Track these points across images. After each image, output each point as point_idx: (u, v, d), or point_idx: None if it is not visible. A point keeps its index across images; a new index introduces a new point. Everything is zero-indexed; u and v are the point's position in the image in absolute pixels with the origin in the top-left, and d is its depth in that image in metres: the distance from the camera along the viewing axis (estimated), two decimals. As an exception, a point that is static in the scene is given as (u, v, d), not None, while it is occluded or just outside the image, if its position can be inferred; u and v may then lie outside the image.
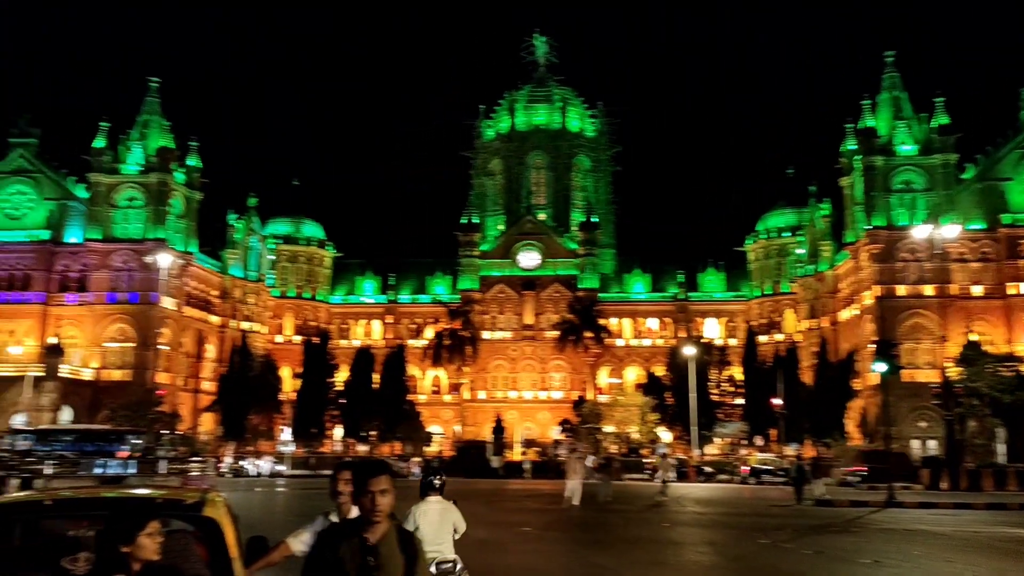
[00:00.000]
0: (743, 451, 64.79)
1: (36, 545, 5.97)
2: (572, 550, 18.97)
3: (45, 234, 74.40)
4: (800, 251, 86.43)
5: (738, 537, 21.46)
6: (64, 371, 66.37)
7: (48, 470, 34.63)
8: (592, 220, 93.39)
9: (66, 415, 65.77)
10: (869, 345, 67.29)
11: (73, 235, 74.87)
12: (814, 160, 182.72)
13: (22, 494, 8.36)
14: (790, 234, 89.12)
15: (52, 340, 67.16)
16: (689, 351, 62.77)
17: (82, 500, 6.50)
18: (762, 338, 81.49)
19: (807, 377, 71.49)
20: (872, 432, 65.30)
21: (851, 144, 75.47)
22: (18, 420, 60.43)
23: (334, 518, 6.06)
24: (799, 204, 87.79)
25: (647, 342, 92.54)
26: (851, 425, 68.25)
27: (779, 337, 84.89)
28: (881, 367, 39.29)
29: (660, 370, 76.99)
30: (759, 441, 66.16)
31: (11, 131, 76.82)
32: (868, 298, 71.86)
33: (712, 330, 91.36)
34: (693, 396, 59.20)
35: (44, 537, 6.06)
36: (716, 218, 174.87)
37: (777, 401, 62.82)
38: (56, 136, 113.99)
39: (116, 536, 3.69)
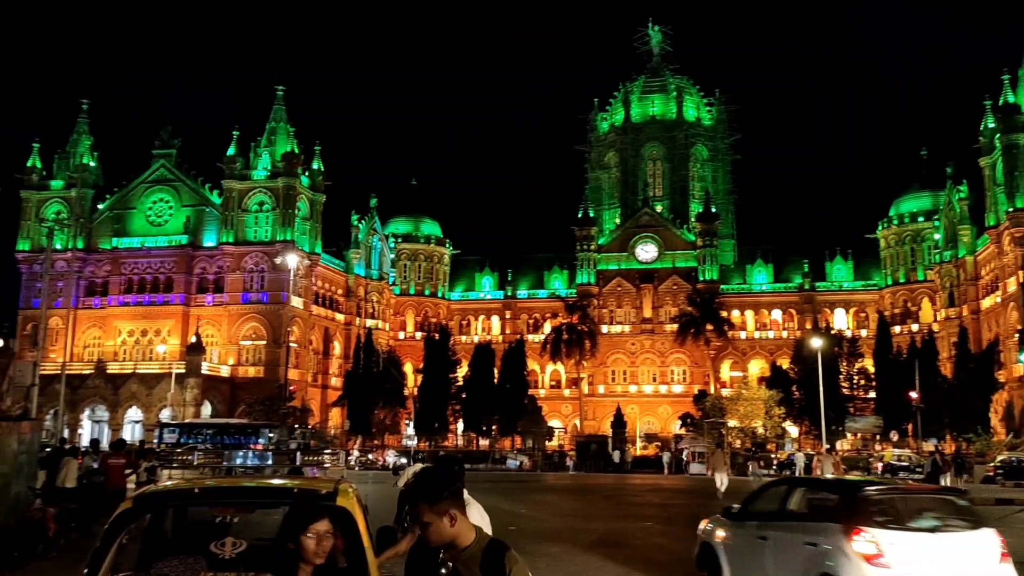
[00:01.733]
0: (877, 446, 62.07)
1: (186, 530, 6.38)
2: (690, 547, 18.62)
3: (184, 239, 78.96)
4: (936, 236, 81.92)
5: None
6: (204, 368, 70.35)
7: (194, 461, 36.80)
8: (711, 210, 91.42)
9: (207, 410, 69.73)
10: (1015, 334, 63.31)
11: (209, 239, 79.16)
12: (950, 140, 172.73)
13: (172, 483, 8.96)
14: (925, 219, 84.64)
15: (193, 339, 71.29)
16: (816, 343, 60.55)
17: (226, 489, 6.90)
18: (896, 328, 77.93)
19: (946, 369, 67.87)
20: (1019, 427, 61.26)
21: (991, 122, 70.94)
22: (165, 414, 64.50)
23: None
24: (934, 187, 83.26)
25: (771, 334, 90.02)
26: (995, 419, 64.26)
27: (914, 327, 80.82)
28: (1028, 358, 36.87)
29: (785, 363, 74.71)
30: (894, 436, 63.22)
31: (154, 142, 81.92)
32: (1012, 284, 67.45)
33: (841, 321, 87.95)
34: (821, 390, 57.09)
35: (193, 523, 6.47)
36: (843, 204, 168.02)
37: (914, 394, 59.88)
38: (192, 145, 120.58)
39: (288, 533, 3.83)
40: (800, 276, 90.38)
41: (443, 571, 3.68)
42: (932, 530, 9.01)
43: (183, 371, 67.74)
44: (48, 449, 24.12)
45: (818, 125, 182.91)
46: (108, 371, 70.94)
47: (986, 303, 74.63)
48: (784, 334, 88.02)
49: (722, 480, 31.05)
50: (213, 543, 5.52)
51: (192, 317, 77.27)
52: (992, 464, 49.56)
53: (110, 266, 79.44)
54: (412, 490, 3.54)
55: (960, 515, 9.41)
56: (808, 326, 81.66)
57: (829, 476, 28.91)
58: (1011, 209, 67.07)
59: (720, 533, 11.40)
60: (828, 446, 53.35)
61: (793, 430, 69.86)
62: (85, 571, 5.08)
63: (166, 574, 5.34)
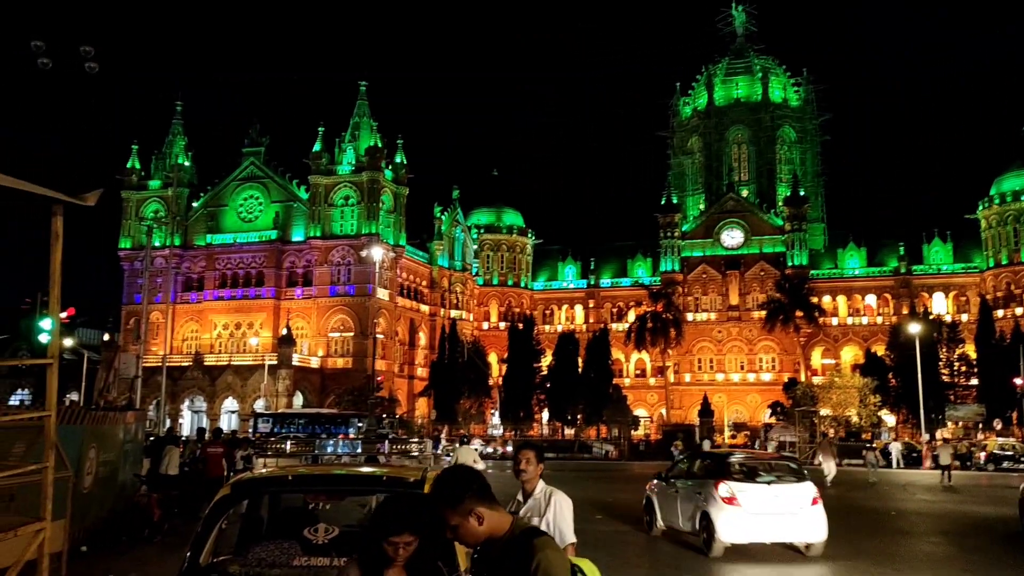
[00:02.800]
0: (979, 435, 59.50)
1: (281, 516, 6.57)
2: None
3: (273, 234, 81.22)
4: (1042, 214, 77.69)
5: (974, 527, 19.76)
6: (295, 360, 72.37)
7: (287, 449, 37.93)
8: (799, 194, 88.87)
9: (299, 400, 71.74)
10: None
11: (297, 234, 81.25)
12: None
13: (267, 470, 9.25)
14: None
15: (284, 331, 73.39)
16: (914, 328, 58.37)
17: (317, 476, 7.07)
18: (999, 312, 74.44)
19: (1055, 354, 64.40)
20: None
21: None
22: (259, 405, 66.65)
23: (519, 496, 6.28)
24: (1039, 163, 78.93)
25: (864, 320, 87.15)
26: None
27: (1019, 311, 77.01)
28: None
29: (880, 349, 72.25)
30: (997, 425, 60.46)
31: (244, 141, 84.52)
32: None
33: (940, 305, 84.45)
34: (920, 377, 55.01)
35: (287, 509, 6.66)
36: (940, 184, 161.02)
37: (1018, 381, 57.11)
38: (278, 142, 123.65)
39: (373, 535, 3.85)
40: (895, 259, 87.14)
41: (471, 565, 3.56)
42: (769, 483, 14.58)
43: (275, 363, 69.84)
44: (152, 438, 25.21)
45: (913, 102, 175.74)
46: (205, 363, 73.75)
47: (1099, 284, 70.48)
48: (879, 320, 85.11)
49: (830, 469, 31.56)
50: (307, 529, 5.66)
51: (282, 310, 79.50)
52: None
53: (205, 262, 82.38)
54: (432, 497, 3.43)
55: (792, 474, 15.14)
56: (905, 311, 78.68)
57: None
58: (1126, 184, 63.10)
59: (655, 489, 16.81)
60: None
61: (890, 419, 67.54)
62: (188, 554, 5.28)
63: (263, 558, 5.49)
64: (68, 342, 50.42)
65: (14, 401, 68.01)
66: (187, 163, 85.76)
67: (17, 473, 7.60)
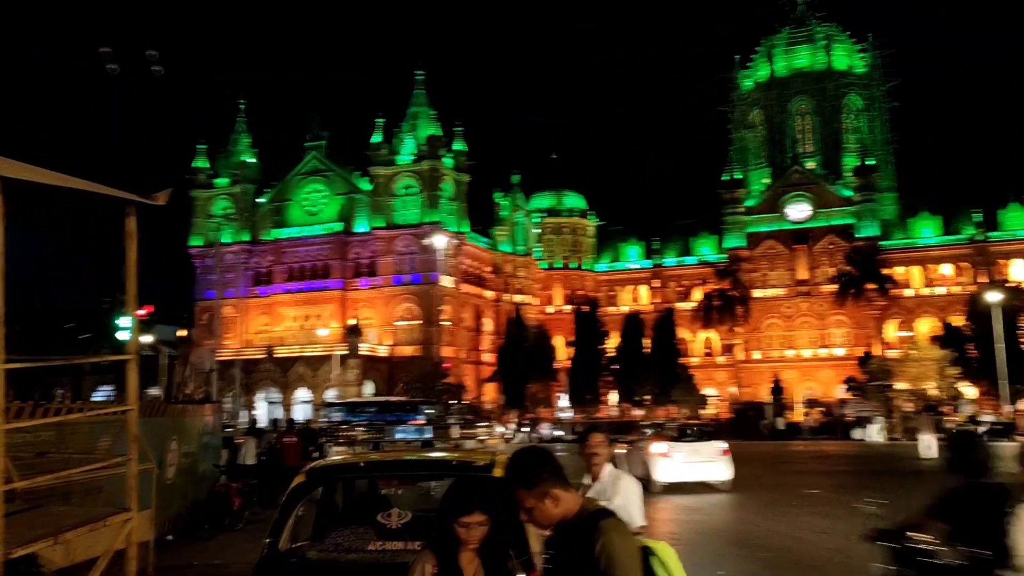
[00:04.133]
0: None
1: (355, 501, 6.70)
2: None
3: (338, 226, 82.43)
4: None
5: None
6: (363, 349, 73.49)
7: (360, 437, 38.59)
8: (868, 163, 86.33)
9: (368, 389, 72.85)
10: None
11: (360, 225, 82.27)
12: None
13: (340, 457, 9.43)
14: (1115, 155, 76.66)
15: (351, 322, 74.58)
16: (993, 297, 56.29)
17: (388, 462, 7.19)
18: (1084, 277, 71.23)
19: None
20: None
21: None
22: (330, 394, 67.91)
23: (586, 480, 6.26)
24: (1125, 119, 75.19)
25: (940, 290, 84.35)
26: None
27: (1106, 275, 73.69)
28: None
29: (958, 320, 69.90)
30: (1087, 395, 58.00)
31: (305, 136, 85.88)
32: None
33: (1019, 272, 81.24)
34: (1001, 347, 53.07)
35: (362, 494, 6.79)
36: (1017, 147, 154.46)
37: (1109, 348, 54.69)
38: (339, 135, 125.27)
39: (443, 517, 3.88)
40: (971, 227, 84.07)
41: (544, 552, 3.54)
42: (691, 440, 22.24)
43: (344, 353, 71.00)
44: (229, 429, 25.93)
45: (984, 64, 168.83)
46: (277, 355, 75.37)
47: None
48: (955, 289, 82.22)
49: (929, 444, 31.84)
50: (380, 514, 5.76)
51: (349, 301, 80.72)
52: None
53: (273, 256, 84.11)
54: (508, 478, 3.40)
55: (709, 435, 23.00)
56: (983, 280, 75.93)
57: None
58: None
59: (621, 452, 22.80)
60: (1012, 406, 49.72)
61: (970, 391, 65.41)
62: (268, 540, 5.42)
63: (339, 543, 5.61)
64: (146, 339, 52.09)
65: (98, 397, 70.72)
66: (252, 160, 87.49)
67: (104, 466, 7.90)
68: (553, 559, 3.42)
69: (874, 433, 50.05)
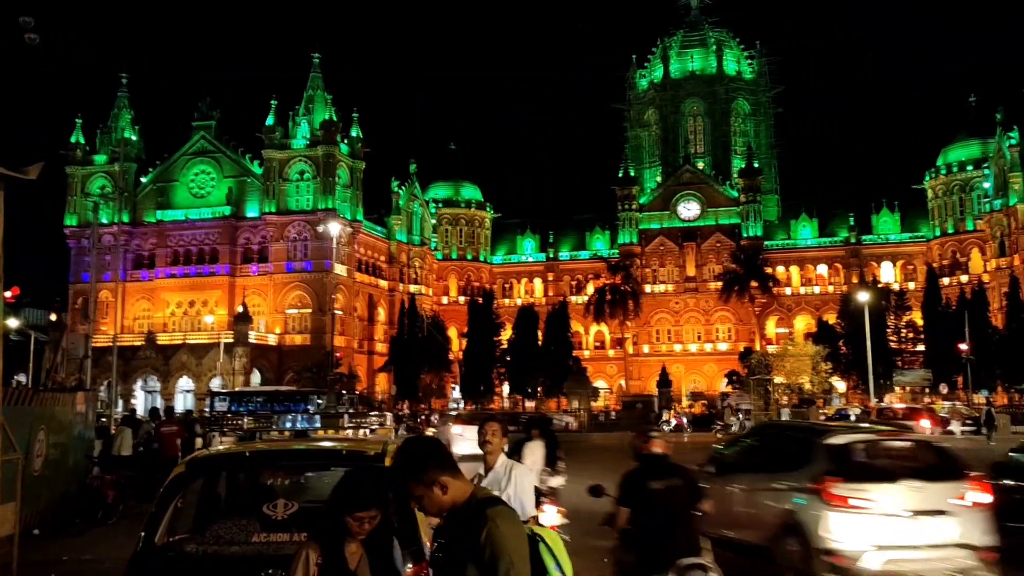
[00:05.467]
0: (926, 399, 61.16)
1: (239, 493, 6.47)
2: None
3: (227, 210, 79.79)
4: (986, 185, 79.68)
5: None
6: (252, 337, 71.49)
7: (245, 426, 37.56)
8: (754, 166, 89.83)
9: (256, 378, 70.99)
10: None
11: (251, 210, 79.92)
12: (1000, 84, 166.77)
13: (223, 447, 9.12)
14: (974, 167, 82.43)
15: (239, 309, 72.38)
16: (863, 297, 59.56)
17: (276, 452, 6.99)
18: (944, 280, 76.38)
19: (997, 320, 66.59)
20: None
21: (1045, 63, 68.36)
22: (215, 383, 65.78)
23: (480, 470, 6.28)
24: (983, 134, 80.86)
25: (817, 289, 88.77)
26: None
27: (964, 278, 79.15)
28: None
29: (832, 318, 73.76)
30: (944, 389, 62.25)
31: (193, 114, 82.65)
32: (1069, 232, 65.47)
33: (888, 274, 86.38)
34: (869, 344, 56.30)
35: (245, 486, 6.56)
36: (889, 155, 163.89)
37: (963, 346, 58.72)
38: (231, 116, 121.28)
39: (334, 509, 3.80)
40: (846, 230, 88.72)
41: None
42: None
43: (231, 341, 68.91)
44: (104, 419, 24.74)
45: (862, 74, 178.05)
46: (158, 342, 72.46)
47: (1040, 252, 72.60)
48: (830, 289, 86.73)
49: None
50: (265, 505, 5.59)
51: (238, 287, 78.39)
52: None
53: (156, 239, 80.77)
54: (396, 467, 3.39)
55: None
56: (854, 280, 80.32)
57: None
58: (1067, 154, 64.84)
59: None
60: (878, 399, 52.82)
61: (841, 385, 69.08)
62: (143, 534, 5.19)
63: (220, 536, 5.41)
64: (13, 323, 49.13)
65: (-40, 384, 66.35)
66: (134, 137, 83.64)
67: (-38, 456, 7.37)
68: (442, 547, 3.41)
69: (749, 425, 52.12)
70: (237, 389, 56.31)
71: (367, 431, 37.66)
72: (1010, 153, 76.57)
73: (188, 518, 6.08)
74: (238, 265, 79.34)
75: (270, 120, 79.15)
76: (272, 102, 79.43)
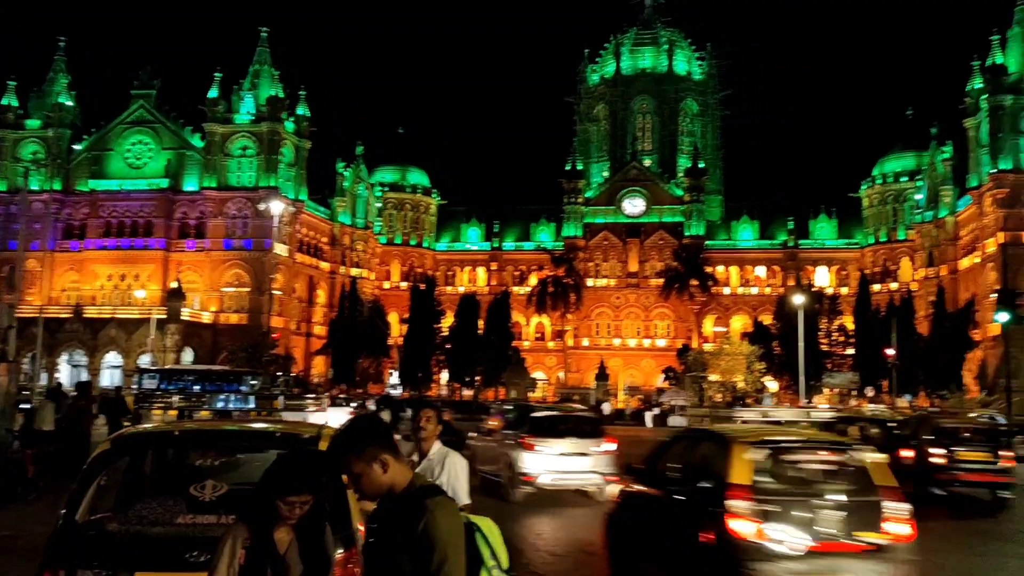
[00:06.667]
0: (853, 402, 62.93)
1: (166, 472, 6.30)
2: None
3: (164, 182, 77.70)
4: (918, 196, 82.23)
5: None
6: (185, 314, 69.86)
7: (175, 406, 36.72)
8: (699, 166, 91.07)
9: (188, 356, 69.43)
10: (991, 295, 64.03)
11: (190, 184, 78.06)
12: (936, 100, 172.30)
13: (151, 425, 8.88)
14: (908, 179, 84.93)
15: (173, 285, 70.67)
16: (798, 299, 60.90)
17: (207, 432, 6.82)
18: (876, 287, 78.57)
19: (923, 327, 68.70)
20: (991, 385, 62.26)
21: (978, 83, 70.69)
22: (144, 360, 64.15)
23: (415, 456, 6.23)
24: (918, 147, 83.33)
25: (755, 290, 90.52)
26: (968, 377, 65.27)
27: (893, 286, 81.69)
28: (1003, 317, 37.26)
29: (768, 319, 75.29)
30: (870, 392, 64.14)
31: (133, 83, 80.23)
32: (991, 245, 68.03)
33: (823, 278, 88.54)
34: (801, 346, 57.66)
35: (174, 465, 6.39)
36: (830, 162, 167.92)
37: (890, 351, 60.58)
38: (173, 87, 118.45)
39: (266, 493, 3.72)
40: (785, 233, 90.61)
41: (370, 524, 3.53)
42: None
43: (163, 317, 67.22)
44: (26, 392, 23.93)
45: (806, 82, 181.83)
46: (86, 315, 70.34)
47: (964, 263, 75.31)
48: (767, 290, 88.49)
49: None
50: (193, 486, 5.45)
51: (172, 262, 76.57)
52: None
53: (88, 209, 78.32)
54: (338, 442, 3.32)
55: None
56: (791, 283, 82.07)
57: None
58: (994, 170, 67.30)
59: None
60: (806, 401, 54.16)
61: (773, 385, 70.59)
62: (64, 511, 5.02)
63: (144, 516, 5.26)
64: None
65: None
66: (70, 103, 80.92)
67: None
68: (375, 533, 3.35)
69: (682, 421, 53.06)
70: (167, 367, 55.08)
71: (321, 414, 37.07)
72: (943, 167, 79.13)
73: (111, 497, 5.90)
74: (173, 240, 77.46)
75: (213, 93, 77.32)
76: (216, 75, 77.65)
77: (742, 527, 7.16)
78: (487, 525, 3.46)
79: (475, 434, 19.01)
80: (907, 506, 7.52)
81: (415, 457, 6.30)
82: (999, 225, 66.70)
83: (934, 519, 15.00)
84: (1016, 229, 65.96)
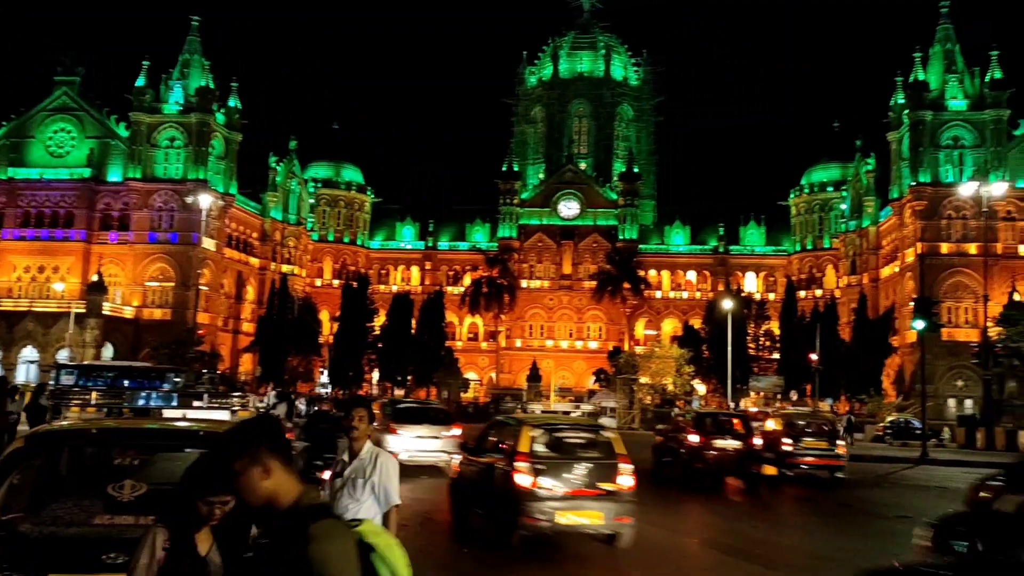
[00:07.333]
0: (777, 405, 64.51)
1: (83, 471, 6.05)
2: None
3: (87, 172, 75.18)
4: (843, 206, 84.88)
5: (766, 490, 21.39)
6: (106, 309, 67.73)
7: (93, 403, 35.50)
8: (633, 171, 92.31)
9: (108, 352, 67.29)
10: (910, 303, 66.37)
11: (114, 174, 75.69)
12: (861, 114, 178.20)
13: (68, 423, 8.52)
14: (834, 189, 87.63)
15: (94, 278, 68.44)
16: (727, 304, 62.26)
17: (126, 430, 6.56)
18: (801, 293, 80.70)
19: (845, 334, 70.75)
20: (908, 390, 64.56)
21: (900, 98, 73.30)
22: (62, 355, 61.95)
23: (345, 457, 6.15)
24: (844, 158, 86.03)
25: (685, 294, 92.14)
26: (887, 382, 67.56)
27: (818, 292, 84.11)
28: (919, 324, 38.66)
29: (697, 323, 76.64)
30: (794, 395, 65.86)
31: (56, 69, 77.43)
32: (910, 255, 70.53)
33: (751, 284, 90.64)
34: (730, 349, 58.90)
35: (91, 464, 6.14)
36: (760, 171, 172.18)
37: (814, 356, 62.30)
38: (99, 74, 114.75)
39: (188, 492, 3.59)
40: (716, 239, 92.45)
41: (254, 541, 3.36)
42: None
43: (83, 311, 65.05)
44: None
45: (739, 92, 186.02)
46: (1, 308, 67.63)
47: (885, 272, 77.92)
48: (698, 295, 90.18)
49: None
50: (111, 486, 5.25)
51: (94, 255, 74.13)
52: (881, 424, 52.39)
53: (5, 197, 75.24)
54: (224, 440, 3.09)
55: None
56: (720, 288, 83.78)
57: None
58: (914, 183, 69.77)
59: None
60: (734, 404, 55.32)
61: (701, 388, 71.89)
62: (-29, 511, 4.78)
63: (59, 516, 5.04)
64: None
65: None
66: (-12, 87, 77.74)
67: None
68: (260, 549, 3.15)
69: (611, 422, 53.67)
70: (87, 362, 53.32)
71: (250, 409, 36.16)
72: (866, 178, 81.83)
73: (25, 497, 5.64)
74: (95, 232, 74.98)
75: (141, 81, 75.13)
76: (144, 63, 75.48)
77: (523, 480, 10.78)
78: (386, 542, 3.16)
79: None
80: (631, 467, 11.26)
81: (345, 457, 6.19)
82: (917, 236, 69.19)
83: (783, 492, 21.25)
84: (934, 240, 68.52)
